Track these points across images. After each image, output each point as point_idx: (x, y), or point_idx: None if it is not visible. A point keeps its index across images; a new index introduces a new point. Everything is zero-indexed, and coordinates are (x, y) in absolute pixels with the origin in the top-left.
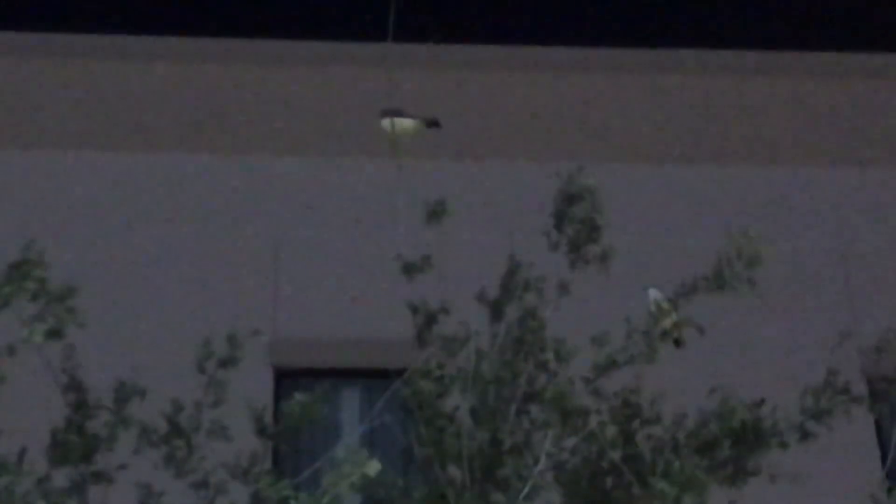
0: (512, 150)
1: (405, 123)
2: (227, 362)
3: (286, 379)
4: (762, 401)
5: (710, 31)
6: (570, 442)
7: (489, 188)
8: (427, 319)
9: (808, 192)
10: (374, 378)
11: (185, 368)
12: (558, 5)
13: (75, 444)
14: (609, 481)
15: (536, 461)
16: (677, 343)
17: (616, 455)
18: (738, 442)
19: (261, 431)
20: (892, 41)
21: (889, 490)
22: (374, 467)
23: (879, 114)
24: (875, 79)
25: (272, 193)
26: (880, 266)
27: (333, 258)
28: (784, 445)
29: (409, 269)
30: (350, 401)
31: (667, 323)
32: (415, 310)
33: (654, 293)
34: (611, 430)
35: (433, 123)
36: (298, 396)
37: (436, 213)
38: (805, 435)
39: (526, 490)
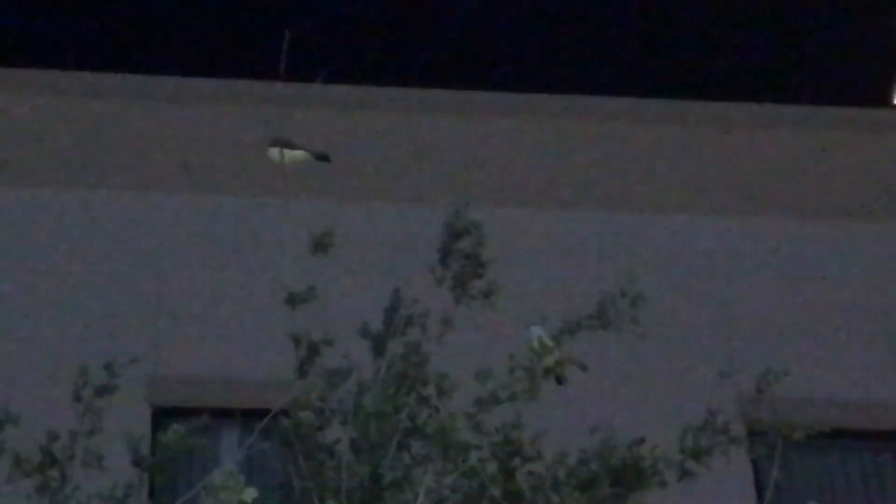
0: (400, 191)
1: (295, 154)
2: (103, 390)
3: (164, 417)
4: (642, 440)
5: (603, 76)
6: (451, 478)
7: (375, 228)
8: (309, 351)
9: (689, 239)
10: (254, 418)
11: (59, 398)
12: (448, 48)
13: None
14: None
15: (416, 497)
16: (559, 380)
17: (497, 492)
18: (618, 481)
19: (137, 462)
20: (793, 91)
21: None
22: (250, 494)
23: (762, 165)
24: (760, 129)
25: (154, 230)
26: (757, 312)
27: (215, 296)
28: (664, 485)
29: (293, 300)
30: (229, 440)
31: (549, 360)
32: (297, 341)
33: (536, 330)
34: (491, 467)
35: (323, 157)
36: (176, 427)
37: (321, 244)
38: (684, 474)
39: None
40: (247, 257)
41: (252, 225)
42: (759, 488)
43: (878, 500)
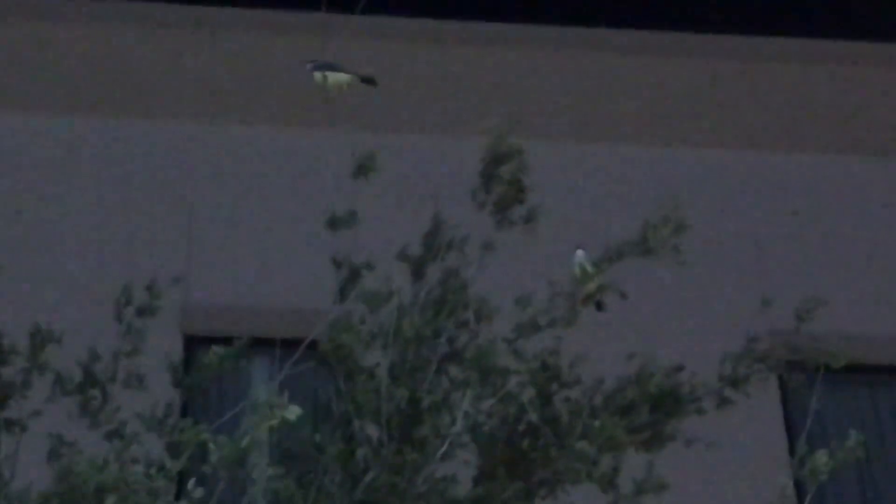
0: (441, 121)
1: (339, 77)
2: (144, 311)
3: (196, 346)
4: (681, 367)
5: (624, 8)
6: (489, 403)
7: (416, 157)
8: (350, 274)
9: (721, 174)
10: (286, 347)
11: (100, 318)
12: None
13: None
14: (526, 443)
15: (454, 421)
16: (599, 307)
17: (534, 417)
18: (656, 407)
19: (177, 383)
20: (812, 24)
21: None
22: (294, 411)
23: (795, 100)
24: (796, 63)
25: (188, 159)
26: (788, 245)
27: (248, 226)
28: (701, 412)
29: (335, 223)
30: (260, 369)
31: (591, 287)
32: (338, 265)
33: (581, 254)
34: (529, 392)
35: (368, 80)
36: (216, 348)
37: (363, 168)
38: (723, 401)
39: (443, 449)
40: (282, 187)
41: (288, 154)
42: (788, 418)
43: None
